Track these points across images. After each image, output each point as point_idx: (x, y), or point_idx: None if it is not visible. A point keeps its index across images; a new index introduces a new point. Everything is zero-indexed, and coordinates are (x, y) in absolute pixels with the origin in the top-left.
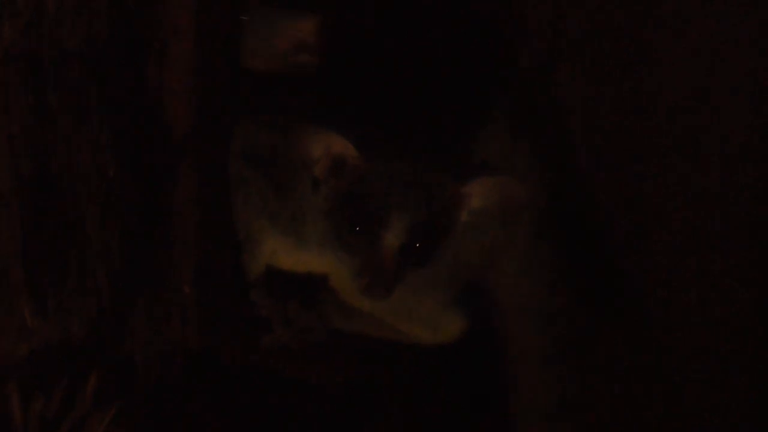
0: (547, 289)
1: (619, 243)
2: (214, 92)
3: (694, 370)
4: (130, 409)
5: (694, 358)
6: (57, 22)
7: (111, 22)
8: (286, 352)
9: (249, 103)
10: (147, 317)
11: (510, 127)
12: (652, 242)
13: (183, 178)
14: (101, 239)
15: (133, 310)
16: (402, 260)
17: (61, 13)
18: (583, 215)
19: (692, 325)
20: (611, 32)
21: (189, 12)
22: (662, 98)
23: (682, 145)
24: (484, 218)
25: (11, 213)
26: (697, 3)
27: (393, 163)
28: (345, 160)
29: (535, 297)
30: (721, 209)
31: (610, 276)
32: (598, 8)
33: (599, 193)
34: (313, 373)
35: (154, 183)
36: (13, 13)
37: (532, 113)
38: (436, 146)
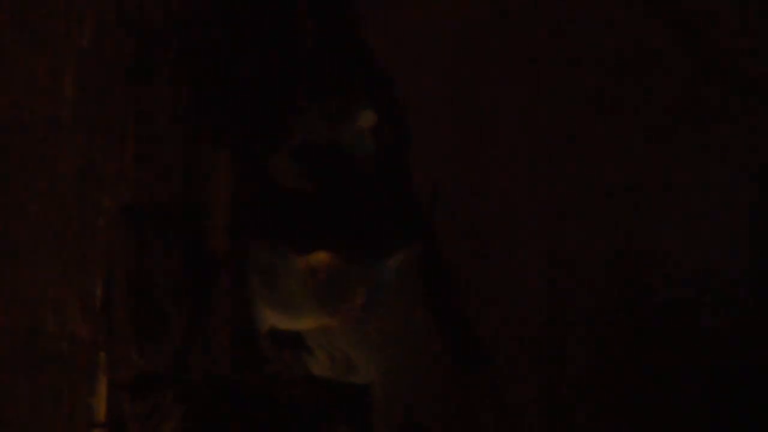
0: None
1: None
2: (243, 228)
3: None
4: (189, 412)
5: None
6: (158, 188)
7: (184, 187)
8: (282, 377)
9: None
10: (200, 357)
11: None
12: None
13: (222, 281)
14: (176, 313)
15: (193, 353)
16: None
17: (159, 180)
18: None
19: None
20: None
21: (227, 175)
22: None
23: None
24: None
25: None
26: None
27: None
28: None
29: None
30: None
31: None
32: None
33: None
34: (293, 392)
35: (206, 284)
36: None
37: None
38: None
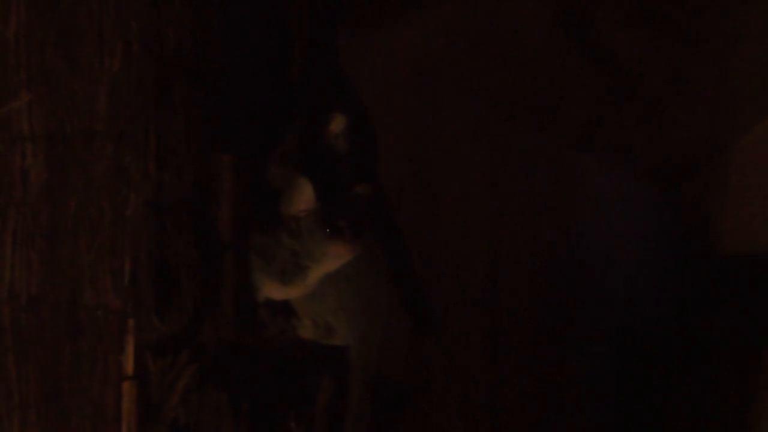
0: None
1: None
2: (244, 217)
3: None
4: (200, 368)
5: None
6: (175, 186)
7: (196, 185)
8: (276, 339)
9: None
10: (209, 322)
11: None
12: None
13: (227, 261)
14: (190, 286)
15: (203, 319)
16: None
17: (175, 179)
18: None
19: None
20: None
21: (230, 175)
22: None
23: None
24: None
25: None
26: None
27: None
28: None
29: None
30: None
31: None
32: None
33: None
34: (285, 351)
35: (214, 263)
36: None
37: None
38: None
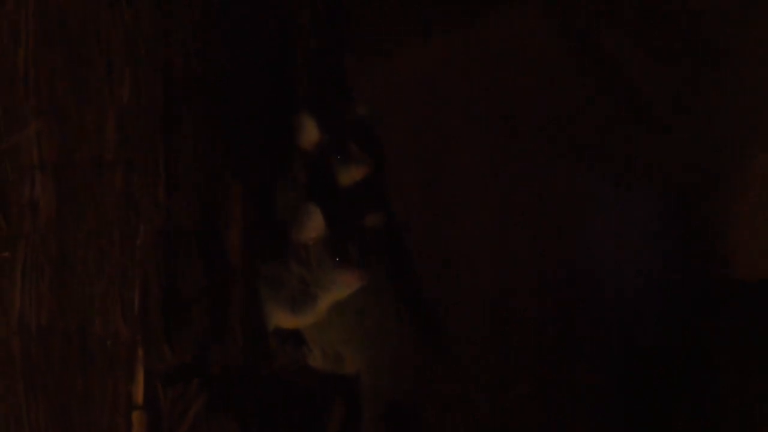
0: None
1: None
2: (253, 245)
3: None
4: (210, 397)
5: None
6: (184, 214)
7: (205, 212)
8: (285, 367)
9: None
10: (219, 351)
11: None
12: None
13: (237, 289)
14: (199, 315)
15: (213, 348)
16: None
17: (185, 207)
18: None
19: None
20: None
21: (240, 202)
22: None
23: None
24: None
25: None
26: None
27: None
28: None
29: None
30: None
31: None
32: None
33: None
34: (297, 377)
35: (224, 291)
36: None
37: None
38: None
